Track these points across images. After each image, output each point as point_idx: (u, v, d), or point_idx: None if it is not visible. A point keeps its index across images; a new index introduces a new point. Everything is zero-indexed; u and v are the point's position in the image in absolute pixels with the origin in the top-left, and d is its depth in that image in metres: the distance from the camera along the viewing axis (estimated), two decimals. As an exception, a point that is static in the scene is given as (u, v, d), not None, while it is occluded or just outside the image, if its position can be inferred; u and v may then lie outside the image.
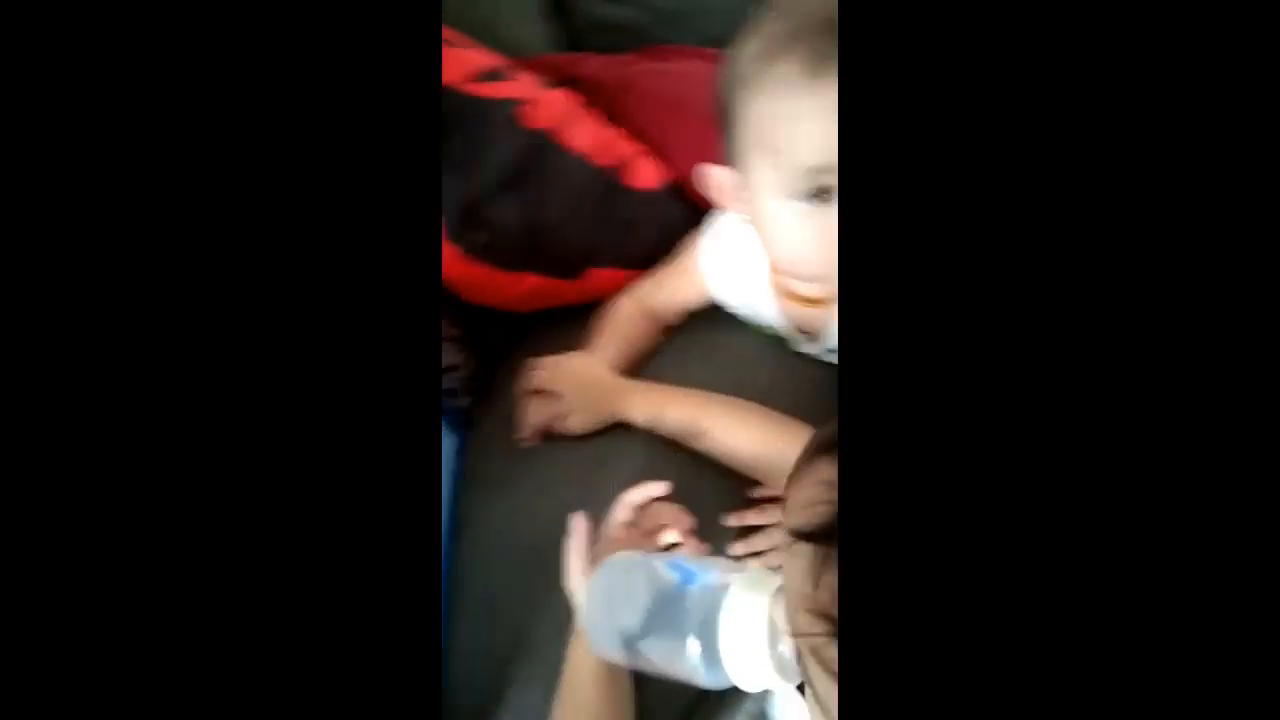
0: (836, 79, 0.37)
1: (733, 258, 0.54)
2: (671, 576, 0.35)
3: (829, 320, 0.51)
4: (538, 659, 0.47)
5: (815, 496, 0.28)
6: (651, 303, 0.59)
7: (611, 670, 0.41)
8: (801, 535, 0.27)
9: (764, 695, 0.38)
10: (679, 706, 0.45)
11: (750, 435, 0.49)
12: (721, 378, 0.54)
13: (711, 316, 0.58)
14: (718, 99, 0.46)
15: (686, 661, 0.32)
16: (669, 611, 0.33)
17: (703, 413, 0.50)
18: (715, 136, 0.47)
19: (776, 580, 0.31)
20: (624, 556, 0.39)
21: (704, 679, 0.33)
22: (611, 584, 0.38)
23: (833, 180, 0.41)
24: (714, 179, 0.49)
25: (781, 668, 0.30)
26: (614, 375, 0.54)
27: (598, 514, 0.46)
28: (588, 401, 0.51)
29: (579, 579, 0.44)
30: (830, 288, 0.46)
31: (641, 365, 0.57)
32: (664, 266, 0.60)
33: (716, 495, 0.50)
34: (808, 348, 0.56)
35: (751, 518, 0.50)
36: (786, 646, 0.30)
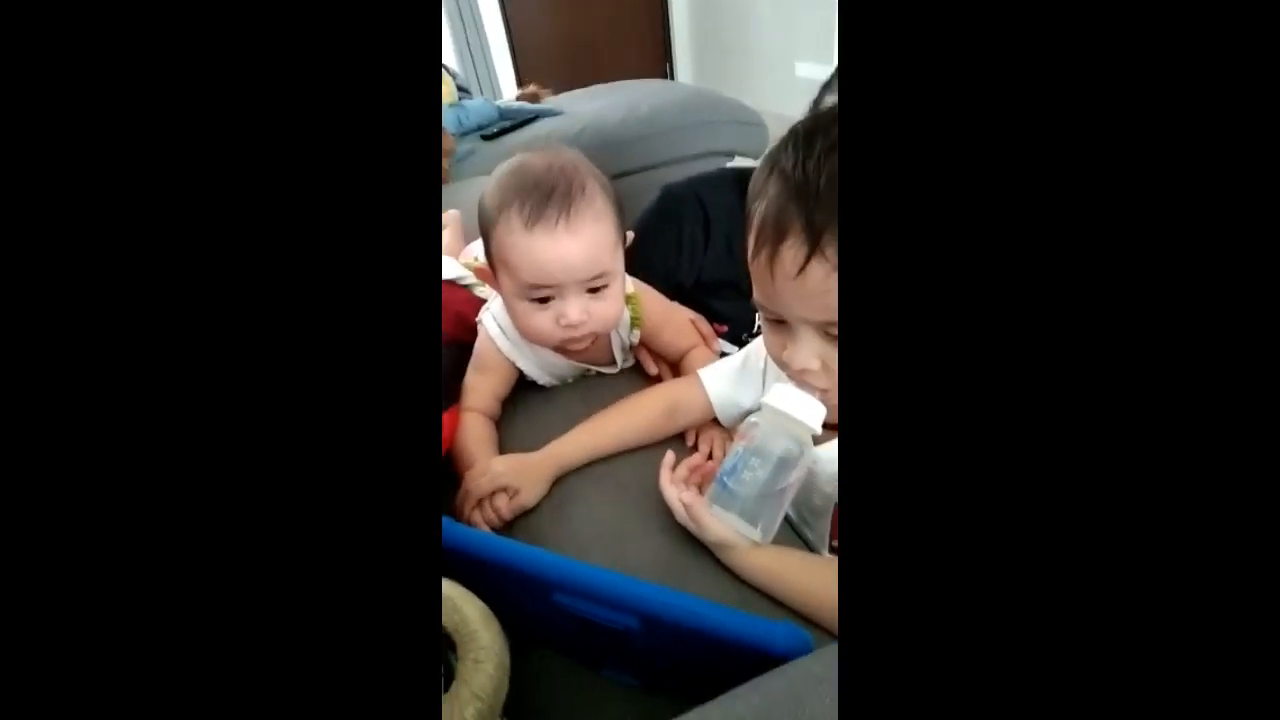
0: (550, 228, 0.60)
1: (510, 340, 0.75)
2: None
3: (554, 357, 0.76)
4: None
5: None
6: (483, 397, 0.76)
7: None
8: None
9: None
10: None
11: (621, 428, 0.67)
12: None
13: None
14: (479, 224, 0.67)
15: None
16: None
17: (588, 438, 0.67)
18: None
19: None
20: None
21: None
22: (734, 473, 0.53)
23: (548, 291, 0.63)
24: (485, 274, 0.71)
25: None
26: (525, 454, 0.67)
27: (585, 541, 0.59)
28: (530, 479, 0.64)
29: (674, 492, 0.57)
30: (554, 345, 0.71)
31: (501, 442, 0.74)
32: (472, 369, 0.77)
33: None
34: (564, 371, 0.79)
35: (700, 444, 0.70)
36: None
